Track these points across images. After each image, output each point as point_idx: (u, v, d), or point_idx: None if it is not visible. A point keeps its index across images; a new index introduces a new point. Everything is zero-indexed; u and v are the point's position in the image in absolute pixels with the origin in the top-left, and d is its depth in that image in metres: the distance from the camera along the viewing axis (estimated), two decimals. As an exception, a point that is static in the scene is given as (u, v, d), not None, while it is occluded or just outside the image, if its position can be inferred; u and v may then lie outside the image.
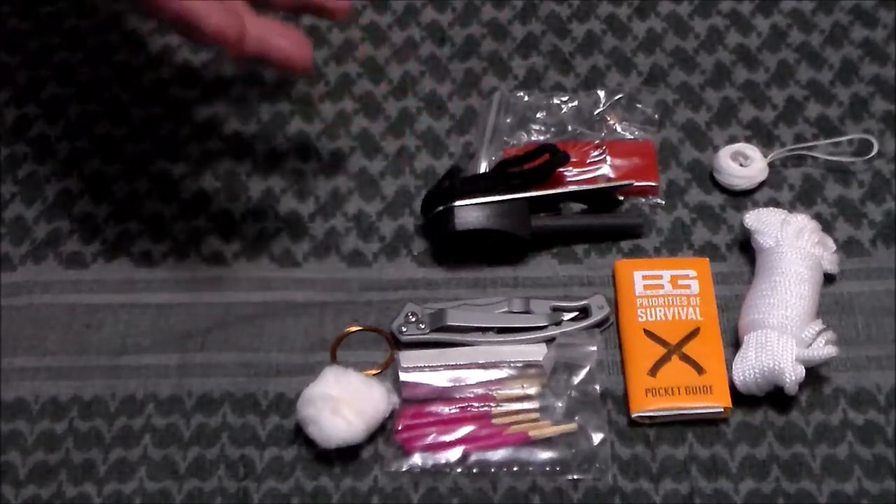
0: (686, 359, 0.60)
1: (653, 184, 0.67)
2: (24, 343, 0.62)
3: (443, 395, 0.59)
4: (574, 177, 0.67)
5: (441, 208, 0.63)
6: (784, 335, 0.58)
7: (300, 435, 0.58)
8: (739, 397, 0.59)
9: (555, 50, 0.73)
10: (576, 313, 0.62)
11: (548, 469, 0.57)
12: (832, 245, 0.63)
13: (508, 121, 0.69)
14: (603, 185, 0.66)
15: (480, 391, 0.59)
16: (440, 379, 0.59)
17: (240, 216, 0.66)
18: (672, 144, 0.69)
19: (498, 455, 0.58)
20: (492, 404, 0.59)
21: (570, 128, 0.69)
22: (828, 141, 0.68)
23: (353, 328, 0.62)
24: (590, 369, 0.59)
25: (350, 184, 0.68)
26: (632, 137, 0.68)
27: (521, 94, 0.70)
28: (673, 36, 0.73)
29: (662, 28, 0.74)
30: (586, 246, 0.65)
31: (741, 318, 0.60)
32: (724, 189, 0.67)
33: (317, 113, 0.70)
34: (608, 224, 0.65)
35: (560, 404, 0.59)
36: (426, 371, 0.60)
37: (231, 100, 0.71)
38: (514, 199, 0.63)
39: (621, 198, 0.66)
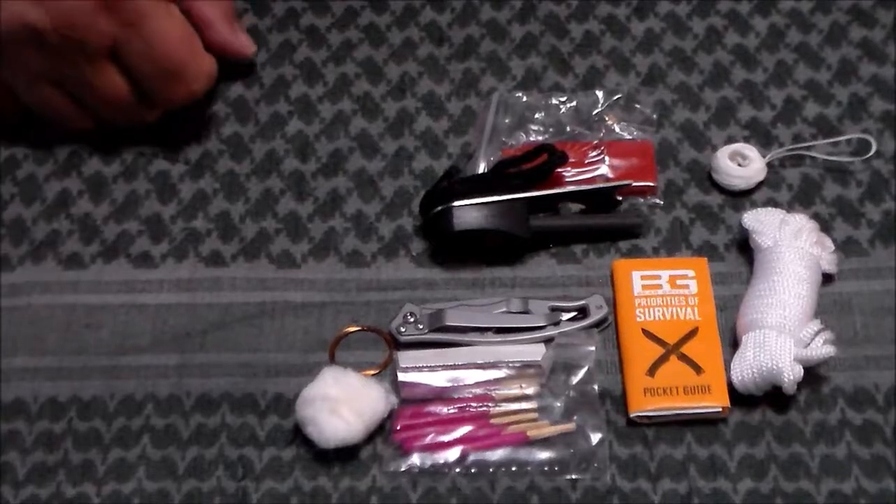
0: (684, 359, 0.60)
1: (651, 184, 0.67)
2: (23, 343, 0.62)
3: (441, 396, 0.59)
4: (572, 177, 0.67)
5: (440, 208, 0.63)
6: (782, 335, 0.58)
7: (299, 435, 0.58)
8: (738, 397, 0.59)
9: (553, 50, 0.73)
10: (574, 313, 0.62)
11: (546, 469, 0.57)
12: (830, 245, 0.63)
13: (507, 121, 0.69)
14: (601, 185, 0.66)
15: (479, 391, 0.59)
16: (439, 379, 0.60)
17: (239, 216, 0.66)
18: (670, 144, 0.69)
19: (496, 455, 0.58)
20: (490, 404, 0.59)
21: (568, 128, 0.69)
22: (826, 141, 0.68)
23: (352, 328, 0.62)
24: (588, 369, 0.59)
25: (349, 184, 0.68)
26: (630, 137, 0.68)
27: (520, 94, 0.70)
28: (671, 36, 0.73)
29: (661, 28, 0.74)
30: (585, 246, 0.65)
31: (739, 318, 0.60)
32: (722, 189, 0.67)
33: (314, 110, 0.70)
34: (607, 224, 0.65)
35: (558, 404, 0.59)
36: (425, 371, 0.60)
37: (230, 100, 0.71)
38: (513, 199, 0.63)
39: (620, 198, 0.66)
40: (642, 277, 0.62)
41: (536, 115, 0.69)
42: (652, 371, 0.59)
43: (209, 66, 0.65)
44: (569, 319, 0.62)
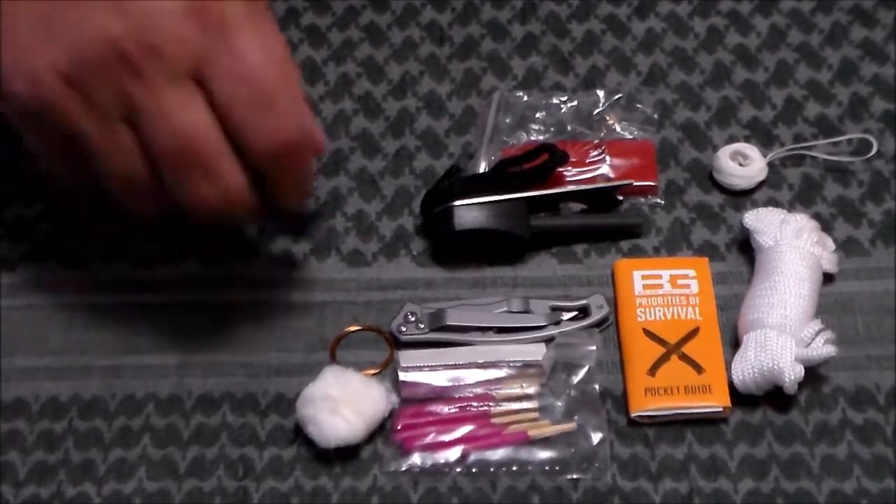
0: (685, 358, 0.60)
1: (652, 183, 0.67)
2: (24, 343, 0.62)
3: (442, 395, 0.59)
4: (573, 176, 0.67)
5: (440, 208, 0.63)
6: (783, 335, 0.58)
7: (299, 434, 0.58)
8: (738, 397, 0.59)
9: (554, 50, 0.73)
10: (575, 313, 0.62)
11: (547, 468, 0.57)
12: (831, 244, 0.63)
13: (508, 120, 0.69)
14: (602, 184, 0.66)
15: (480, 391, 0.59)
16: (439, 379, 0.59)
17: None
18: (671, 144, 0.69)
19: (497, 454, 0.58)
20: (491, 404, 0.59)
21: (569, 127, 0.69)
22: (827, 141, 0.68)
23: (353, 328, 0.62)
24: (589, 369, 0.59)
25: (350, 183, 0.68)
26: (631, 137, 0.68)
27: (521, 93, 0.70)
28: (672, 36, 0.73)
29: (662, 28, 0.74)
30: (586, 246, 0.65)
31: (740, 318, 0.60)
32: (723, 189, 0.67)
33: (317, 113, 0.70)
34: (607, 224, 0.65)
35: (559, 404, 0.59)
36: (425, 371, 0.60)
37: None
38: (514, 198, 0.63)
39: (620, 197, 0.66)
40: (643, 277, 0.62)
41: (537, 115, 0.69)
42: (653, 371, 0.59)
43: (307, 113, 0.55)
44: (570, 319, 0.62)
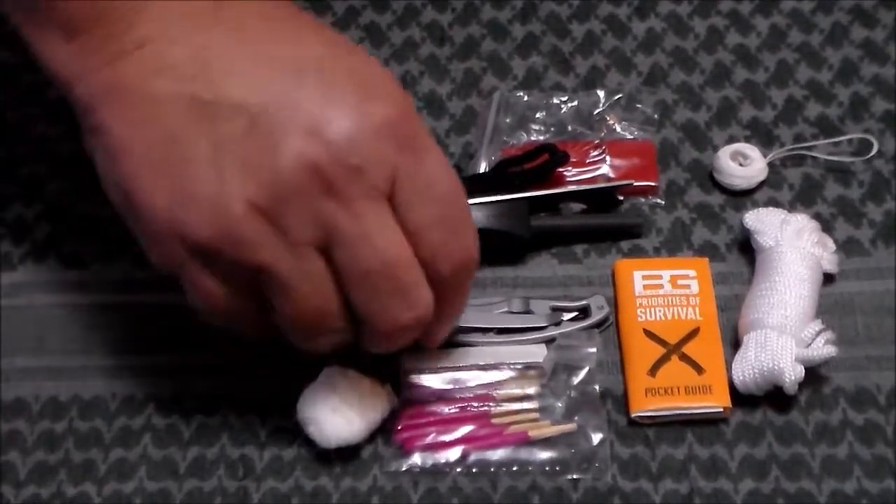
0: (686, 359, 0.60)
1: (652, 184, 0.67)
2: (24, 343, 0.62)
3: (443, 395, 0.59)
4: (574, 177, 0.67)
5: (441, 208, 0.63)
6: (783, 335, 0.58)
7: (300, 434, 0.58)
8: (739, 397, 0.59)
9: (554, 50, 0.73)
10: (575, 313, 0.62)
11: (547, 469, 0.57)
12: (832, 245, 0.63)
13: (508, 121, 0.69)
14: (602, 184, 0.66)
15: (480, 391, 0.59)
16: (440, 379, 0.59)
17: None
18: (672, 144, 0.69)
19: (497, 455, 0.58)
20: (491, 404, 0.59)
21: (569, 128, 0.69)
22: (827, 141, 0.68)
23: (353, 328, 0.62)
24: (589, 369, 0.59)
25: (350, 184, 0.68)
26: (631, 137, 0.68)
27: (521, 93, 0.70)
28: (673, 36, 0.73)
29: (662, 28, 0.74)
30: (586, 246, 0.65)
31: (741, 318, 0.60)
32: (723, 189, 0.67)
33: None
34: (608, 224, 0.65)
35: (560, 404, 0.59)
36: (426, 371, 0.60)
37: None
38: (514, 198, 0.63)
39: (621, 198, 0.66)
40: (643, 277, 0.62)
41: (538, 115, 0.69)
42: (653, 371, 0.59)
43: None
44: (570, 319, 0.62)
